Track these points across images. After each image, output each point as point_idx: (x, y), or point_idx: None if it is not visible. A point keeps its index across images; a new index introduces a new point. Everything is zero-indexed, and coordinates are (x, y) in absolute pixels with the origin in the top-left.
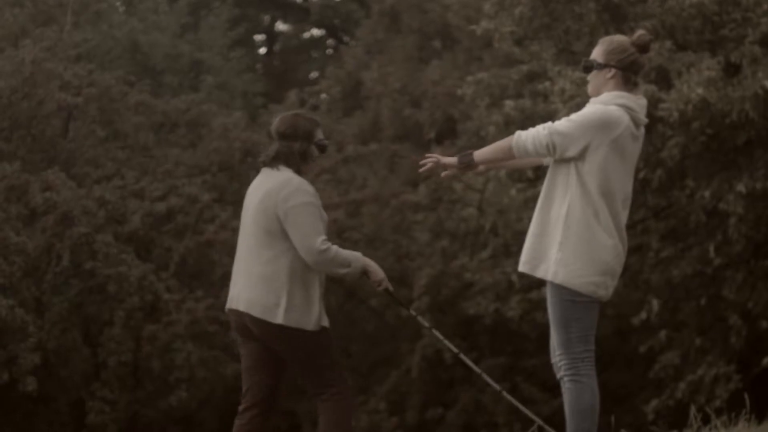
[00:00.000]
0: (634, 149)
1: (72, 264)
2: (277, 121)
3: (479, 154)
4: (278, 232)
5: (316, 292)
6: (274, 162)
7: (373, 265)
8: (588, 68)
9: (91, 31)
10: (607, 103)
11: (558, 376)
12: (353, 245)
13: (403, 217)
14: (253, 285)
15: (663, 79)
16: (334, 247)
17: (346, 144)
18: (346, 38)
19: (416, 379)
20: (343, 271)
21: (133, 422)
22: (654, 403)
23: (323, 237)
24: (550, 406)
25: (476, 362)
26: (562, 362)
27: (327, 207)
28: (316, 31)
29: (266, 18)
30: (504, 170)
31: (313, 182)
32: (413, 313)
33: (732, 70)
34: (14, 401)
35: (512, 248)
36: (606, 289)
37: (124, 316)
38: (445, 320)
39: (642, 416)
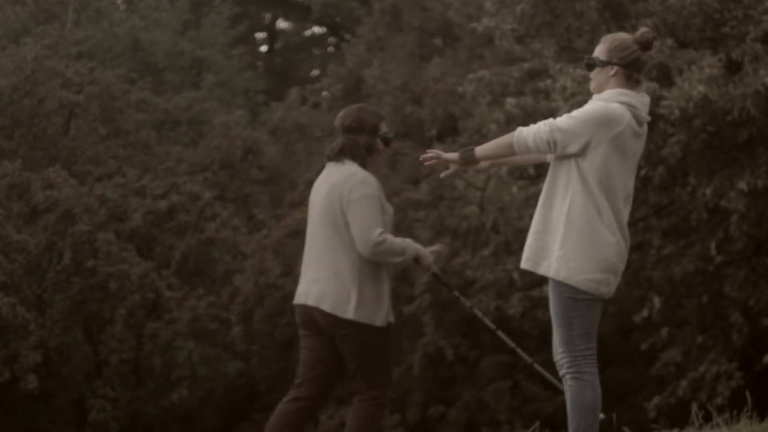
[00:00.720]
0: (636, 147)
1: (73, 262)
2: (341, 114)
3: (480, 149)
4: (345, 226)
5: (385, 287)
6: (339, 156)
7: (423, 251)
8: (590, 66)
9: (93, 29)
10: (609, 100)
11: (560, 373)
12: None
13: (405, 214)
14: (323, 279)
15: (664, 77)
16: (389, 237)
17: None
18: (347, 36)
19: (418, 377)
20: (397, 260)
21: (134, 420)
22: (656, 400)
23: (380, 229)
24: (552, 404)
25: (477, 360)
26: (564, 360)
27: None
28: (317, 29)
29: (267, 16)
30: (505, 168)
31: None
32: (456, 294)
33: (733, 68)
34: (16, 399)
35: (513, 246)
36: (608, 286)
37: (126, 314)
38: (446, 318)
39: (643, 414)
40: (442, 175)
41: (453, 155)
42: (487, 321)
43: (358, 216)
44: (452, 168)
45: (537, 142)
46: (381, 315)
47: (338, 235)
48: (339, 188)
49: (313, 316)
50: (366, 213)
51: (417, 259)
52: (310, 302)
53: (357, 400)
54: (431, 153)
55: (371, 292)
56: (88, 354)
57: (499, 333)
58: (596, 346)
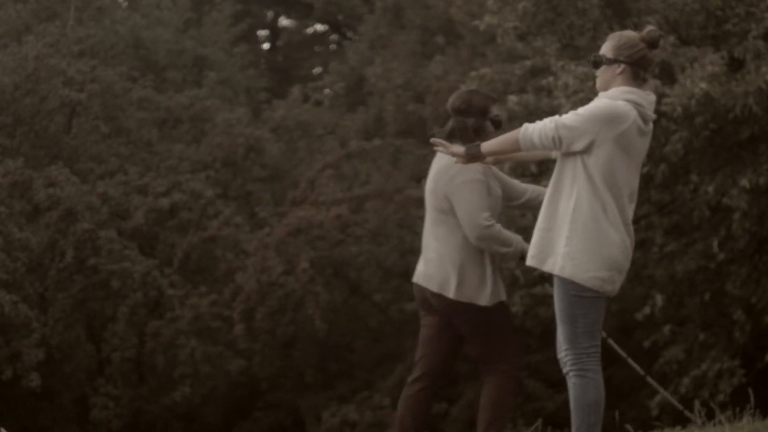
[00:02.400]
0: (642, 145)
1: (75, 260)
2: (452, 97)
3: (486, 145)
4: (449, 209)
5: (489, 267)
6: (449, 139)
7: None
8: (597, 63)
9: (94, 27)
10: (615, 98)
11: (564, 371)
12: (357, 241)
13: (407, 212)
14: (431, 260)
15: (667, 74)
16: (498, 225)
17: (350, 139)
18: (349, 34)
19: None
20: (503, 250)
21: (136, 418)
22: (658, 398)
23: (487, 213)
24: (555, 402)
25: None
26: (568, 357)
27: (330, 202)
28: (319, 27)
29: (269, 13)
30: (508, 164)
31: (316, 178)
32: (611, 342)
33: (735, 65)
34: (18, 397)
35: None
36: (613, 284)
37: (128, 312)
38: None
39: (646, 411)
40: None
41: (459, 150)
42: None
43: (464, 201)
44: (458, 160)
45: (542, 138)
46: (484, 294)
47: (443, 218)
48: (444, 172)
49: (425, 295)
50: (472, 198)
51: (523, 258)
52: (422, 282)
53: (488, 376)
54: (440, 142)
55: (473, 272)
56: (91, 352)
57: (609, 341)
58: (600, 344)
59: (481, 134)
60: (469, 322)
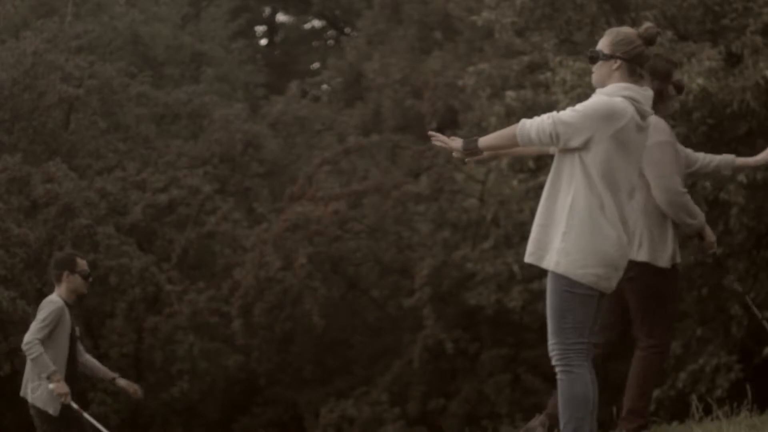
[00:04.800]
0: (640, 141)
1: None
2: None
3: (484, 140)
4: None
5: (671, 230)
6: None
7: (709, 228)
8: (594, 59)
9: (92, 23)
10: (612, 95)
11: (552, 364)
12: (355, 236)
13: (405, 208)
14: None
15: None
16: (688, 195)
17: (348, 135)
18: (347, 29)
19: (418, 370)
20: (689, 221)
21: (134, 414)
22: (655, 393)
23: (680, 179)
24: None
25: (478, 353)
26: (554, 352)
27: (328, 198)
28: (317, 22)
29: (267, 9)
30: (505, 160)
31: (314, 174)
32: (737, 287)
33: (733, 60)
34: (16, 393)
35: (514, 239)
36: (608, 280)
37: (126, 308)
38: (446, 311)
39: None
40: (466, 160)
41: (457, 145)
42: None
43: (655, 162)
44: (456, 155)
45: (540, 134)
46: (665, 256)
47: None
48: None
49: None
50: (665, 160)
51: (701, 234)
52: None
53: (638, 349)
54: (438, 135)
55: (657, 232)
56: (89, 348)
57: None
58: (587, 341)
59: (663, 98)
60: (646, 284)
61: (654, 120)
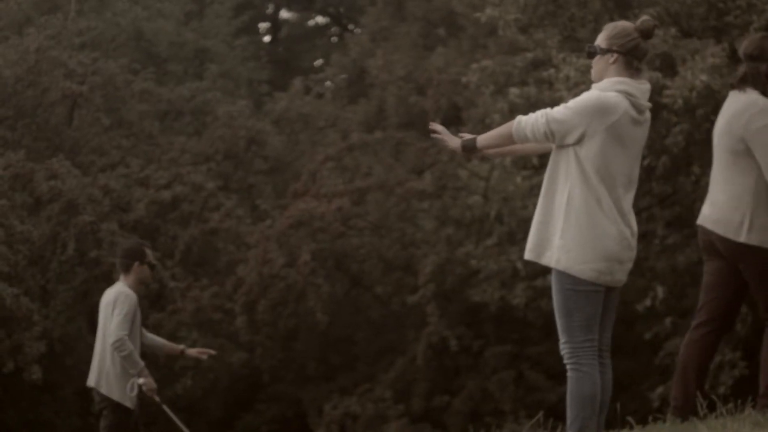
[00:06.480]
0: (637, 134)
1: (77, 252)
2: (745, 43)
3: (482, 139)
4: (743, 152)
5: None
6: (741, 84)
7: None
8: (591, 53)
9: (96, 19)
10: (604, 89)
11: (564, 362)
12: (358, 233)
13: (409, 204)
14: (717, 204)
15: (668, 66)
16: None
17: (351, 132)
18: (350, 26)
19: (422, 367)
20: None
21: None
22: (659, 390)
23: None
24: (556, 394)
25: (481, 350)
26: (565, 350)
27: (332, 195)
28: (320, 19)
29: (270, 6)
30: (509, 157)
31: (317, 171)
32: None
33: (737, 57)
34: (20, 390)
35: (517, 236)
36: (611, 275)
37: None
38: (450, 308)
39: (647, 403)
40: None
41: (456, 143)
42: None
43: (764, 145)
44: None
45: (534, 132)
46: None
47: (736, 160)
48: (739, 116)
49: (711, 239)
50: None
51: None
52: (709, 226)
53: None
54: (438, 128)
55: (765, 215)
56: (92, 344)
57: None
58: (596, 338)
59: None
60: (756, 266)
61: (762, 103)
